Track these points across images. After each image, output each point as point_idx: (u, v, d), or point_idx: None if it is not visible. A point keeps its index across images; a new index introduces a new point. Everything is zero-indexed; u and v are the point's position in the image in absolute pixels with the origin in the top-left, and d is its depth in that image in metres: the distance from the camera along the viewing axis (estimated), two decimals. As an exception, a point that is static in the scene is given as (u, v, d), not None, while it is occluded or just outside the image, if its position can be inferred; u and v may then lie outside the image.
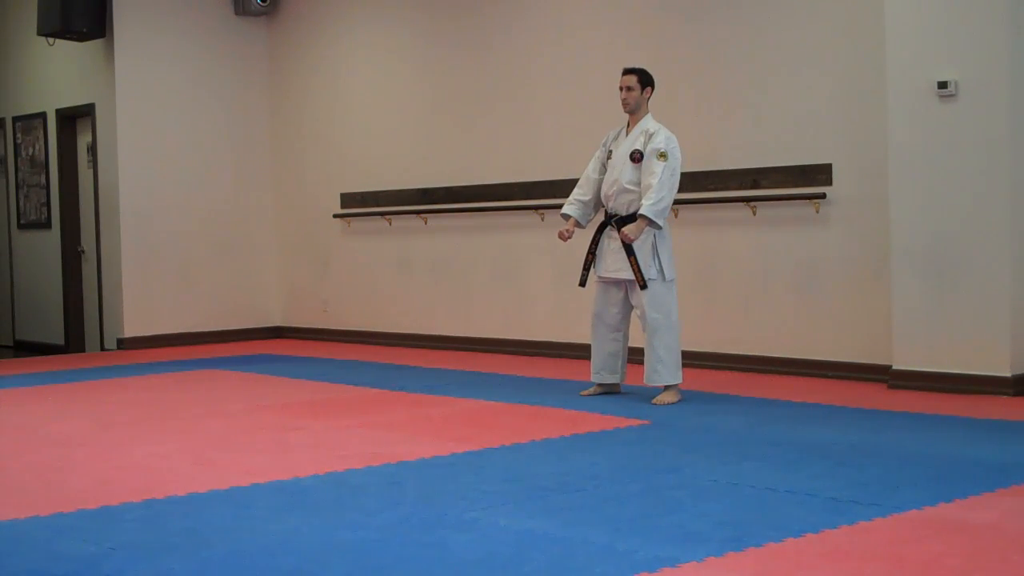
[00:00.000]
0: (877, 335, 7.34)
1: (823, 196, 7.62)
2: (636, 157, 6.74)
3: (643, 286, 6.69)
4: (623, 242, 6.67)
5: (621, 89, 6.85)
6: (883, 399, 6.73)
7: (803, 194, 7.70)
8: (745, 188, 8.00)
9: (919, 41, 6.91)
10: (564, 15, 9.19)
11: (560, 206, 9.37)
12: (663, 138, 6.69)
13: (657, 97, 8.51)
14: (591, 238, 6.98)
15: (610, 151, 6.93)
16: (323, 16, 11.17)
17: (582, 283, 7.06)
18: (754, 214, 7.95)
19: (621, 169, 6.79)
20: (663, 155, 6.63)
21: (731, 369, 8.04)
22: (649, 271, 6.69)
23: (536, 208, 9.30)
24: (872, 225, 7.42)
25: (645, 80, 6.83)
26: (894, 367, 7.09)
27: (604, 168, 6.96)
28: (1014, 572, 3.48)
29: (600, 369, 7.04)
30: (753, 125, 8.03)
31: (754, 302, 8.07)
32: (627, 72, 6.86)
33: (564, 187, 9.14)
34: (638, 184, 6.71)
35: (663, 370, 6.74)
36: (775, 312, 7.94)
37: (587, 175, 7.05)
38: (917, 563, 3.56)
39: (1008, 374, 6.67)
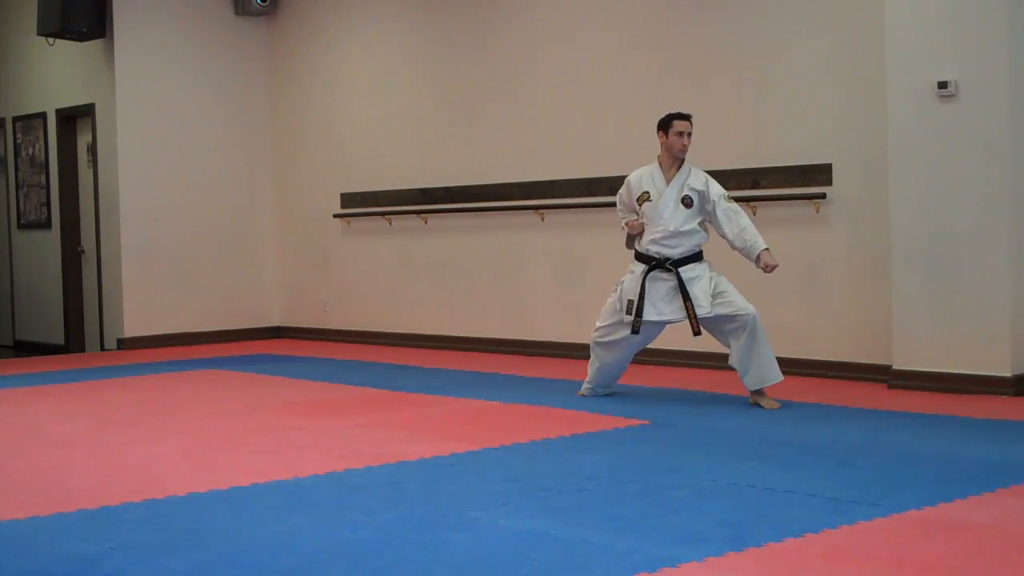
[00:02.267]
0: (877, 335, 7.34)
1: (823, 196, 7.62)
2: (688, 203, 6.62)
3: (696, 333, 6.62)
4: (683, 280, 6.58)
5: (682, 135, 6.62)
6: (883, 399, 6.73)
7: (803, 194, 7.71)
8: (745, 188, 7.99)
9: (919, 41, 6.91)
10: (564, 15, 9.19)
11: (560, 206, 9.39)
12: (714, 182, 6.66)
13: (656, 97, 8.52)
14: (639, 283, 6.67)
15: (646, 193, 6.71)
16: (323, 16, 11.18)
17: (635, 330, 6.70)
18: (754, 214, 7.95)
19: (672, 215, 6.62)
20: (729, 198, 6.63)
21: (731, 369, 8.02)
22: (703, 308, 6.55)
23: (536, 208, 9.30)
24: (872, 225, 7.42)
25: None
26: (894, 367, 7.09)
27: (635, 213, 6.79)
28: (1014, 572, 3.48)
29: (596, 387, 7.03)
30: (753, 125, 8.03)
31: (754, 302, 8.03)
32: (688, 117, 6.67)
33: (564, 187, 9.17)
34: (694, 227, 6.64)
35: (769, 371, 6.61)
36: (775, 312, 7.93)
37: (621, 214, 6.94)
38: (917, 563, 3.56)
39: (1008, 374, 6.67)
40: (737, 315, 6.55)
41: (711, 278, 6.64)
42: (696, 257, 6.69)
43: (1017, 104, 6.68)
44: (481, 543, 3.86)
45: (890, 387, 7.05)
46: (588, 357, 8.01)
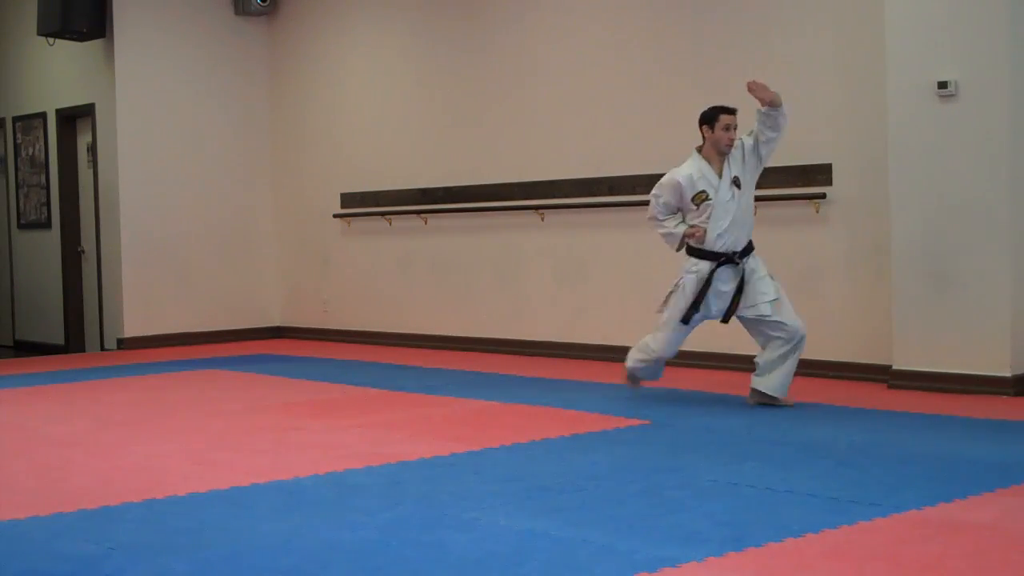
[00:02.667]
0: (877, 335, 7.34)
1: (823, 196, 7.62)
2: (737, 183, 6.55)
3: (725, 320, 6.57)
4: (738, 259, 6.51)
5: (728, 128, 6.55)
6: (883, 399, 6.73)
7: (803, 194, 7.70)
8: (745, 188, 7.99)
9: (919, 41, 6.91)
10: (564, 14, 9.19)
11: (560, 206, 9.37)
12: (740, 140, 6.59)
13: (657, 97, 8.53)
14: (704, 279, 6.53)
15: (703, 192, 6.53)
16: (323, 16, 11.17)
17: (686, 320, 6.60)
18: (754, 214, 7.94)
19: (732, 204, 6.53)
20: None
21: (731, 369, 8.03)
22: (767, 299, 6.49)
23: (536, 208, 9.30)
24: (872, 225, 7.42)
25: None
26: (894, 367, 7.09)
27: (679, 215, 6.65)
28: (1014, 572, 3.48)
29: (646, 375, 6.92)
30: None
31: (754, 302, 8.06)
32: (734, 111, 6.60)
33: (564, 187, 9.17)
34: (750, 205, 6.63)
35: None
36: (775, 312, 7.93)
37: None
38: (917, 563, 3.56)
39: (1008, 374, 6.66)
40: (785, 326, 6.45)
41: (772, 279, 6.56)
42: (751, 247, 6.62)
43: (1017, 104, 6.68)
44: (481, 543, 3.86)
45: (890, 387, 7.05)
46: (587, 357, 8.08)
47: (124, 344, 10.83)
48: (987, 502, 4.30)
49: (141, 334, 10.90)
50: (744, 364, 8.00)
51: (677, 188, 6.60)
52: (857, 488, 4.51)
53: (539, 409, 6.66)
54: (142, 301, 10.93)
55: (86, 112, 11.28)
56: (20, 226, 12.43)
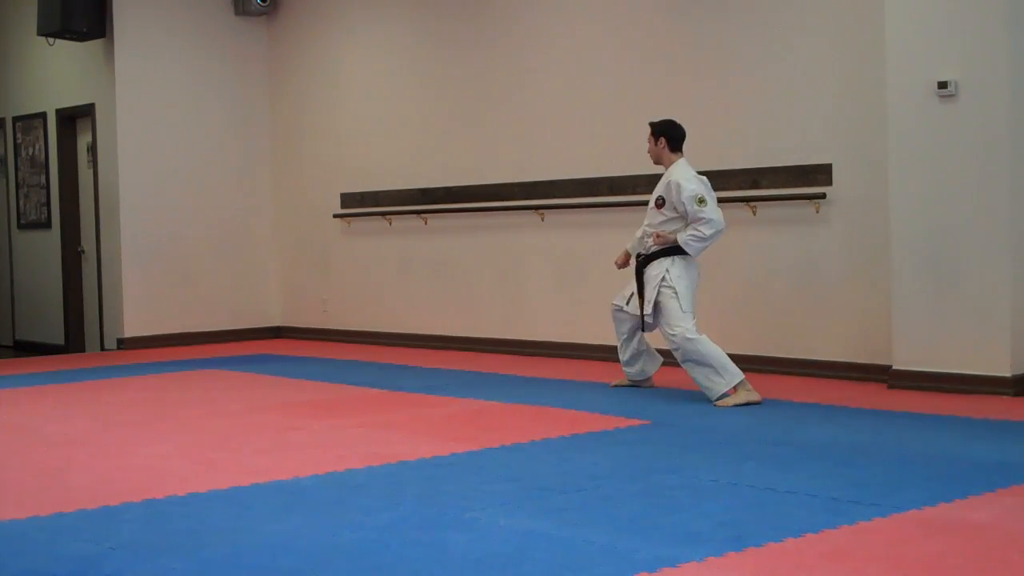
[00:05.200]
0: (877, 335, 7.34)
1: (823, 196, 7.62)
2: (659, 203, 6.87)
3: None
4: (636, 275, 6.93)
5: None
6: (883, 399, 6.73)
7: (803, 194, 7.70)
8: (745, 188, 8.00)
9: (919, 41, 6.91)
10: (564, 15, 9.19)
11: (560, 206, 9.38)
12: (690, 187, 6.72)
13: (656, 97, 8.52)
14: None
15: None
16: (323, 16, 11.18)
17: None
18: (754, 214, 7.95)
19: (648, 213, 6.97)
20: (702, 200, 6.71)
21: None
22: (648, 306, 6.84)
23: (536, 208, 9.30)
24: (872, 225, 7.42)
25: (657, 131, 6.97)
26: (894, 367, 7.09)
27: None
28: (1014, 572, 3.48)
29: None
30: (753, 125, 8.03)
31: (754, 302, 8.07)
32: (650, 127, 7.03)
33: (564, 187, 9.17)
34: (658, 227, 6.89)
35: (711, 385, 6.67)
36: (775, 312, 7.94)
37: None
38: (917, 563, 3.56)
39: (1008, 374, 6.67)
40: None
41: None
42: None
43: (1017, 104, 6.68)
44: (481, 543, 3.86)
45: (890, 387, 7.05)
46: (587, 357, 8.00)
47: (124, 344, 10.83)
48: (987, 502, 4.30)
49: (141, 334, 10.90)
50: (745, 364, 8.01)
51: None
52: (857, 488, 4.51)
53: (539, 409, 6.66)
54: (142, 301, 10.93)
55: (86, 112, 11.28)
56: (20, 226, 12.43)
